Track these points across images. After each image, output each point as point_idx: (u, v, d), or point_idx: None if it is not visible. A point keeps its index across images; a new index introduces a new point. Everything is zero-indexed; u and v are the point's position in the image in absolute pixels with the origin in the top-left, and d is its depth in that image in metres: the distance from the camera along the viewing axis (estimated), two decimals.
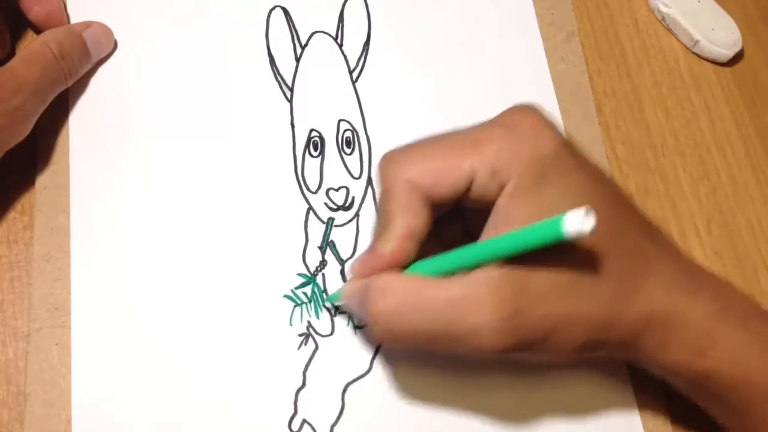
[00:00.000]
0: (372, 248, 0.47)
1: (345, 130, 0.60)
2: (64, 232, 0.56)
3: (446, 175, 0.45)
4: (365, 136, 0.60)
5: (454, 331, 0.43)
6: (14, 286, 0.55)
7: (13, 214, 0.57)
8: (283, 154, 0.59)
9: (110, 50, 0.61)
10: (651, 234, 0.49)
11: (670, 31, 0.69)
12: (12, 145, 0.54)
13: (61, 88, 0.57)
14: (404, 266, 0.47)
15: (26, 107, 0.53)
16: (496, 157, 0.44)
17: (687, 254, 0.51)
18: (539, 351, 0.45)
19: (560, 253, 0.43)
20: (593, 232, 0.38)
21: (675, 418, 0.56)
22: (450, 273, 0.44)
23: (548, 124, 0.46)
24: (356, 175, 0.59)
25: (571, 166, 0.45)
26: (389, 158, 0.47)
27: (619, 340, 0.46)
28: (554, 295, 0.43)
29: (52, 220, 0.56)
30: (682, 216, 0.62)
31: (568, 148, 0.46)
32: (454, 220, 0.51)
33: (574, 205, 0.39)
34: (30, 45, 0.55)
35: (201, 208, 0.57)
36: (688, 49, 0.69)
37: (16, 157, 0.55)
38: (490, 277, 0.42)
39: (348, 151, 0.60)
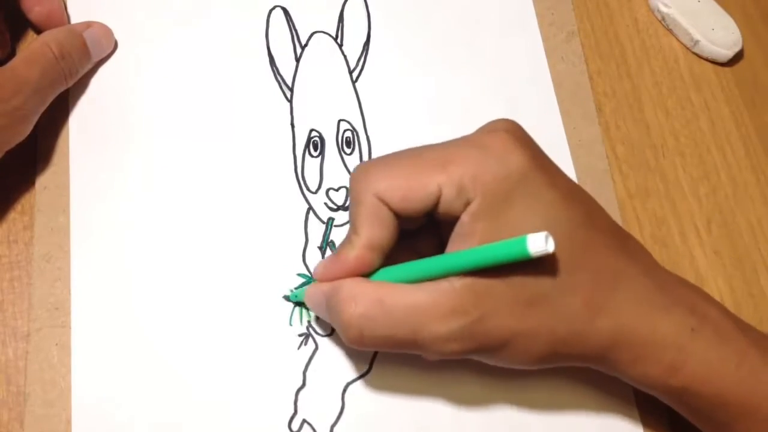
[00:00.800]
0: (337, 254, 0.48)
1: (345, 130, 0.60)
2: (64, 232, 0.56)
3: (414, 191, 0.46)
4: (365, 136, 0.60)
5: (418, 338, 0.44)
6: (14, 286, 0.55)
7: (13, 214, 0.57)
8: (283, 154, 0.59)
9: (110, 50, 0.61)
10: (623, 249, 0.49)
11: (670, 31, 0.69)
12: (12, 145, 0.54)
13: (62, 89, 0.57)
14: (367, 274, 0.48)
15: (26, 107, 0.53)
16: (462, 176, 0.45)
17: (659, 266, 0.51)
18: (497, 359, 0.46)
19: (524, 270, 0.44)
20: (549, 254, 0.40)
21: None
22: (415, 281, 0.45)
23: (519, 143, 0.46)
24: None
25: (540, 184, 0.45)
26: (361, 169, 0.48)
27: (584, 355, 0.47)
28: (515, 308, 0.44)
29: (52, 220, 0.56)
30: (682, 216, 0.62)
31: (538, 166, 0.46)
32: (429, 232, 0.51)
33: (536, 226, 0.42)
34: (30, 45, 0.55)
35: (201, 208, 0.57)
36: (688, 49, 0.69)
37: (16, 157, 0.55)
38: (452, 287, 0.44)
39: (348, 151, 0.60)
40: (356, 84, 0.62)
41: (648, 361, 0.47)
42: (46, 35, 0.56)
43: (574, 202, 0.47)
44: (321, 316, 0.51)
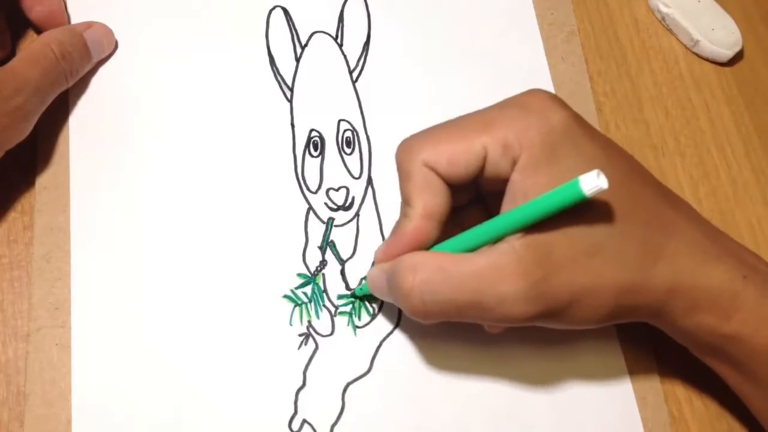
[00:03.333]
0: (394, 231, 0.49)
1: (345, 130, 0.60)
2: (64, 232, 0.56)
3: (460, 154, 0.46)
4: (365, 136, 0.60)
5: (482, 301, 0.44)
6: (14, 286, 0.55)
7: (13, 214, 0.57)
8: (283, 154, 0.59)
9: (111, 51, 0.61)
10: (669, 199, 0.49)
11: (670, 31, 0.69)
12: (12, 144, 0.54)
13: (62, 89, 0.57)
14: (427, 247, 0.48)
15: (27, 107, 0.53)
16: (506, 134, 0.45)
17: (704, 218, 0.51)
18: (566, 319, 0.46)
19: (580, 220, 0.44)
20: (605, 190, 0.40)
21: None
22: (473, 249, 0.46)
23: (558, 101, 0.47)
24: (356, 175, 0.59)
25: (582, 137, 0.46)
26: (405, 144, 0.49)
27: (646, 306, 0.47)
28: (578, 261, 0.44)
29: (52, 220, 0.56)
30: None
31: (578, 120, 0.47)
32: (477, 209, 0.52)
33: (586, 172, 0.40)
34: (31, 45, 0.55)
35: (201, 208, 0.57)
36: (688, 49, 0.69)
37: (16, 157, 0.55)
38: (512, 247, 0.44)
39: (348, 151, 0.60)
40: (356, 84, 0.62)
41: (703, 309, 0.47)
42: (47, 35, 0.56)
43: (615, 155, 0.48)
44: (383, 298, 0.52)
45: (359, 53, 0.63)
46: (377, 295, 0.52)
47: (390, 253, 0.49)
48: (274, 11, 0.64)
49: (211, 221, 0.57)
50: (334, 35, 0.63)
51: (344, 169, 0.59)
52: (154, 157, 0.58)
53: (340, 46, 0.63)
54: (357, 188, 0.59)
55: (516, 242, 0.44)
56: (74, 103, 0.59)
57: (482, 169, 0.47)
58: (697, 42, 0.67)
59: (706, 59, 0.69)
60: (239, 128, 0.60)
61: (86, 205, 0.57)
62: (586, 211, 0.44)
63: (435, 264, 0.46)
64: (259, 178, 0.58)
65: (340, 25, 0.64)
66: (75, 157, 0.58)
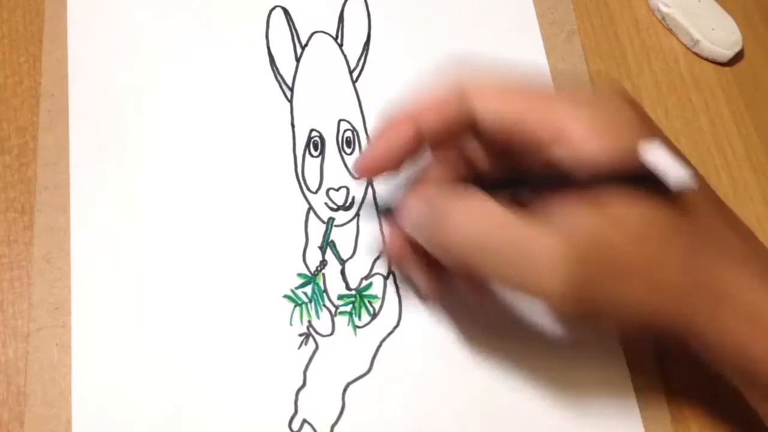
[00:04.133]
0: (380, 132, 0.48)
1: (345, 130, 0.60)
2: (64, 232, 0.56)
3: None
4: (366, 136, 0.60)
5: (525, 281, 0.43)
6: (14, 286, 0.55)
7: (13, 214, 0.57)
8: (283, 154, 0.59)
9: None
10: (733, 220, 0.48)
11: (670, 31, 0.69)
12: None
13: None
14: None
15: None
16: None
17: (752, 233, 0.49)
18: (596, 325, 0.47)
19: (648, 238, 0.42)
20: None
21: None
22: None
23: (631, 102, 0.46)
24: (356, 175, 0.58)
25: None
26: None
27: (677, 310, 0.44)
28: (632, 278, 0.43)
29: (52, 220, 0.56)
30: None
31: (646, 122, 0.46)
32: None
33: None
34: None
35: (201, 207, 0.57)
36: (688, 49, 0.69)
37: (15, 157, 0.56)
38: (570, 234, 0.42)
39: (348, 150, 0.60)
40: (356, 84, 0.62)
41: (751, 332, 0.44)
42: None
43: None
44: (412, 231, 0.49)
45: (359, 53, 0.63)
46: (407, 225, 0.49)
47: (393, 134, 0.47)
48: (274, 11, 0.64)
49: (211, 221, 0.57)
50: (334, 35, 0.63)
51: (345, 168, 0.59)
52: (155, 157, 0.58)
53: (341, 46, 0.63)
54: (357, 188, 0.59)
55: (577, 228, 0.42)
56: (74, 103, 0.59)
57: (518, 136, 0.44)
58: (697, 42, 0.67)
59: (706, 59, 0.68)
60: (239, 128, 0.60)
61: (86, 205, 0.57)
62: (646, 204, 0.42)
63: (491, 210, 0.43)
64: (259, 178, 0.58)
65: (340, 25, 0.64)
66: (75, 157, 0.58)
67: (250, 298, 0.55)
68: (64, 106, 0.59)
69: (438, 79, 0.47)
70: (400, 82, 0.61)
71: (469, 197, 0.45)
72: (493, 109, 0.45)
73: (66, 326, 0.53)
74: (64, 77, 0.60)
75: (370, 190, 0.59)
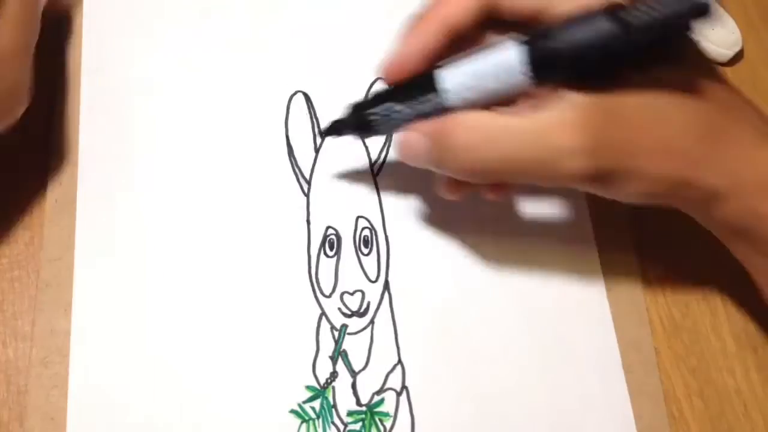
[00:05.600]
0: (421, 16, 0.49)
1: (363, 228, 0.58)
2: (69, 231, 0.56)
3: None
4: (384, 235, 0.58)
5: (541, 157, 0.44)
6: (14, 286, 0.55)
7: (13, 214, 0.57)
8: (297, 253, 0.57)
9: None
10: (733, 87, 0.50)
11: None
12: (19, 115, 0.53)
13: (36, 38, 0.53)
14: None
15: (22, 74, 0.52)
16: None
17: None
18: (618, 184, 0.46)
19: (651, 87, 0.45)
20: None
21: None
22: None
23: None
24: (372, 278, 0.57)
25: None
26: None
27: (699, 181, 0.47)
28: (644, 124, 0.45)
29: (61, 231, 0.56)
30: (684, 216, 0.60)
31: None
32: None
33: None
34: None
35: (211, 311, 0.55)
36: None
37: (15, 157, 0.56)
38: (575, 104, 0.44)
39: (365, 251, 0.57)
40: (377, 178, 0.60)
41: (748, 191, 0.47)
42: None
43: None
44: (416, 163, 0.50)
45: (382, 144, 0.60)
46: (413, 162, 0.50)
47: (424, 30, 0.48)
48: (295, 96, 0.61)
49: (219, 328, 0.55)
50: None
51: (360, 271, 0.57)
52: (164, 254, 0.56)
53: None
54: (373, 293, 0.56)
55: (580, 98, 0.44)
56: (85, 121, 0.59)
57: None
58: (697, 42, 0.66)
59: None
60: (252, 223, 0.57)
61: (91, 215, 0.56)
62: (656, 80, 0.44)
63: (491, 120, 0.45)
64: (270, 279, 0.56)
65: None
66: (83, 168, 0.58)
67: (256, 412, 0.53)
68: (74, 121, 0.59)
69: None
70: (424, 176, 0.58)
71: (463, 116, 0.46)
72: None
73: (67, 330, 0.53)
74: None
75: (386, 295, 0.56)
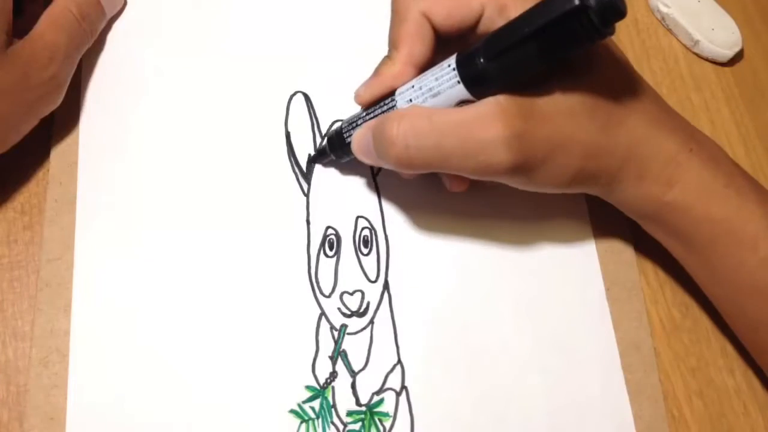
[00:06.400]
0: (376, 72, 0.53)
1: (363, 228, 0.58)
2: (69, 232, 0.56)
3: (457, 8, 0.51)
4: (383, 235, 0.58)
5: (466, 147, 0.47)
6: (14, 286, 0.55)
7: (13, 214, 0.57)
8: (296, 253, 0.57)
9: (122, 6, 0.63)
10: (638, 82, 0.53)
11: (670, 31, 0.71)
12: (46, 113, 0.55)
13: (85, 49, 0.58)
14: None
15: (61, 74, 0.55)
16: None
17: (663, 100, 0.55)
18: (538, 175, 0.49)
19: (560, 87, 0.48)
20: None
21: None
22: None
23: None
24: (372, 278, 0.56)
25: None
26: None
27: (605, 169, 0.51)
28: (556, 119, 0.48)
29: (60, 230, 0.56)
30: None
31: None
32: None
33: None
34: (51, 10, 0.55)
35: (209, 309, 0.55)
36: (688, 49, 0.70)
37: (14, 157, 0.55)
38: (497, 101, 0.47)
39: (365, 251, 0.57)
40: (377, 177, 0.60)
41: (650, 177, 0.52)
42: None
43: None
44: (367, 160, 0.53)
45: None
46: (362, 156, 0.53)
47: (368, 92, 0.53)
48: (295, 96, 0.61)
49: (219, 327, 0.54)
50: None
51: (360, 271, 0.57)
52: (164, 254, 0.56)
53: None
54: (372, 293, 0.56)
55: (502, 98, 0.46)
56: (86, 112, 0.60)
57: (476, 25, 0.51)
58: (697, 42, 0.69)
59: (706, 59, 0.70)
60: (252, 223, 0.57)
61: (92, 218, 0.57)
62: (563, 82, 0.48)
63: (422, 112, 0.48)
64: (270, 278, 0.56)
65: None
66: (83, 169, 0.58)
67: (255, 412, 0.53)
68: (75, 115, 0.59)
69: None
70: (423, 177, 0.58)
71: (399, 110, 0.50)
72: (450, 24, 0.52)
73: (67, 330, 0.54)
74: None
75: (386, 295, 0.56)
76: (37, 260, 0.55)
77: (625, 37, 0.69)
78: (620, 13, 0.41)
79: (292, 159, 0.59)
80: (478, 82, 0.47)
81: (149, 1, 0.64)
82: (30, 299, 0.54)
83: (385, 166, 0.52)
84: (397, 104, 0.52)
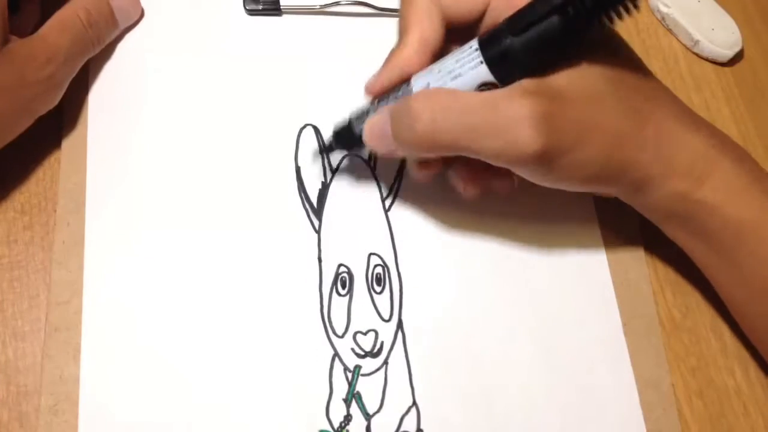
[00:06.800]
0: (387, 60, 0.52)
1: (375, 266, 0.57)
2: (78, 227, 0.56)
3: None
4: (396, 273, 0.57)
5: (493, 125, 0.46)
6: (14, 286, 0.55)
7: (13, 214, 0.56)
8: (308, 293, 0.56)
9: (137, 18, 0.62)
10: (653, 76, 0.54)
11: (670, 31, 0.72)
12: (43, 112, 0.55)
13: (89, 56, 0.58)
14: None
15: (58, 75, 0.54)
16: None
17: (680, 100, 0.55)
18: (567, 163, 0.48)
19: (586, 73, 0.48)
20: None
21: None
22: None
23: None
24: (386, 317, 0.56)
25: None
26: None
27: (634, 161, 0.50)
28: (583, 104, 0.48)
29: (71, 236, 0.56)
30: None
31: None
32: None
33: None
34: (59, 12, 0.55)
35: (221, 354, 0.54)
36: (688, 49, 0.71)
37: (14, 157, 0.56)
38: (523, 85, 0.46)
39: (378, 289, 0.56)
40: (389, 213, 0.59)
41: (678, 174, 0.51)
42: (75, 2, 0.56)
43: (621, 38, 0.54)
44: (380, 149, 0.53)
45: (393, 178, 0.59)
46: (375, 143, 0.52)
47: (380, 80, 0.52)
48: (304, 129, 0.60)
49: (232, 371, 0.54)
50: (366, 157, 0.60)
51: (373, 310, 0.56)
52: (172, 294, 0.55)
53: (373, 170, 0.59)
54: (386, 332, 0.56)
55: (525, 81, 0.46)
56: (93, 120, 0.59)
57: (482, 15, 0.51)
58: (697, 42, 0.69)
59: (706, 59, 0.71)
60: (263, 262, 0.56)
61: (99, 223, 0.56)
62: (587, 68, 0.48)
63: (447, 91, 0.48)
64: (283, 320, 0.55)
65: None
66: (92, 169, 0.58)
67: None
68: (83, 118, 0.59)
69: None
70: (436, 211, 0.58)
71: (421, 91, 0.50)
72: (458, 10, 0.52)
73: (78, 329, 0.53)
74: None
75: (400, 335, 0.56)
76: (37, 260, 0.55)
77: (625, 37, 0.66)
78: None
79: (303, 195, 0.58)
80: (502, 62, 0.47)
81: (165, 12, 0.63)
82: (30, 299, 0.54)
83: (400, 151, 0.51)
84: (413, 89, 0.51)
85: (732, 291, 0.56)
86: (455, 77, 0.48)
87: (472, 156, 0.49)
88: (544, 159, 0.47)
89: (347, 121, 0.56)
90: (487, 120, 0.46)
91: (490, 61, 0.47)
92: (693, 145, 0.51)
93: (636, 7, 0.43)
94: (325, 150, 0.59)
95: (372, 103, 0.54)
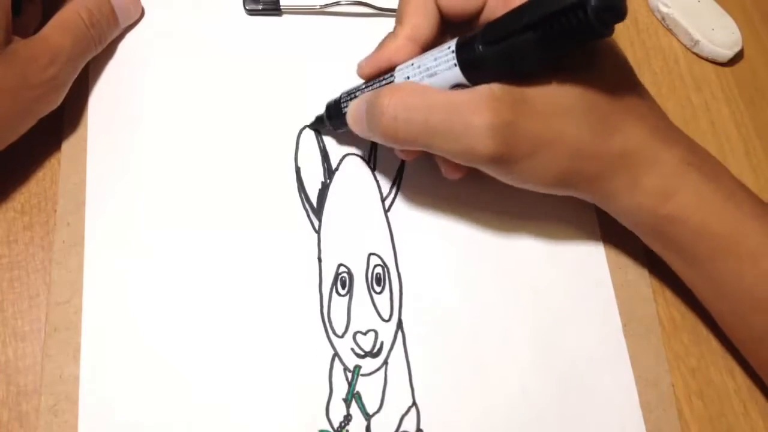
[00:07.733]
0: (378, 47, 0.53)
1: (375, 266, 0.57)
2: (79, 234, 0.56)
3: None
4: (396, 273, 0.57)
5: (452, 127, 0.47)
6: (14, 286, 0.55)
7: (13, 214, 0.56)
8: (308, 293, 0.56)
9: (138, 17, 0.62)
10: (639, 88, 0.54)
11: (670, 31, 0.72)
12: (45, 113, 0.55)
13: (91, 56, 0.58)
14: None
15: (60, 76, 0.54)
16: None
17: (664, 113, 0.55)
18: (521, 169, 0.50)
19: (556, 85, 0.48)
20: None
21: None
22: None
23: None
24: (386, 317, 0.56)
25: None
26: None
27: (594, 174, 0.51)
28: (546, 117, 0.48)
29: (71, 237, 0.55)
30: None
31: None
32: None
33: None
34: (61, 13, 0.55)
35: (222, 352, 0.54)
36: (688, 49, 0.71)
37: (14, 157, 0.55)
38: (491, 89, 0.47)
39: (378, 289, 0.56)
40: (388, 213, 0.59)
41: (645, 188, 0.52)
42: (76, 2, 0.56)
43: (612, 44, 0.53)
44: (361, 133, 0.54)
45: (393, 178, 0.59)
46: (355, 126, 0.54)
47: (371, 65, 0.54)
48: (304, 131, 0.60)
49: (232, 371, 0.54)
50: (366, 158, 0.60)
51: (373, 309, 0.56)
52: (172, 294, 0.55)
53: (373, 170, 0.60)
54: (386, 332, 0.56)
55: (495, 87, 0.47)
56: (93, 120, 0.59)
57: (480, 11, 0.52)
58: (697, 42, 0.69)
59: (706, 59, 0.71)
60: (263, 262, 0.56)
61: (100, 227, 0.56)
62: (562, 79, 0.48)
63: (416, 88, 0.49)
64: (283, 320, 0.55)
65: (374, 147, 0.60)
66: (92, 169, 0.57)
67: None
68: (84, 118, 0.58)
69: None
70: (435, 211, 0.58)
71: (394, 84, 0.51)
72: (454, 4, 0.53)
73: (77, 329, 0.53)
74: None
75: (399, 335, 0.56)
76: (37, 260, 0.55)
77: (625, 37, 0.69)
78: (620, 15, 0.42)
79: (303, 195, 0.58)
80: (474, 67, 0.47)
81: (165, 12, 0.63)
82: (30, 299, 0.54)
83: (374, 138, 0.52)
84: (396, 80, 0.52)
85: (713, 304, 0.56)
86: (431, 75, 0.49)
87: (434, 152, 0.51)
88: (500, 163, 0.49)
89: (338, 98, 0.57)
90: (446, 122, 0.47)
91: (463, 66, 0.47)
92: (662, 160, 0.51)
93: (610, 34, 0.43)
94: (314, 125, 0.60)
95: (363, 84, 0.56)
